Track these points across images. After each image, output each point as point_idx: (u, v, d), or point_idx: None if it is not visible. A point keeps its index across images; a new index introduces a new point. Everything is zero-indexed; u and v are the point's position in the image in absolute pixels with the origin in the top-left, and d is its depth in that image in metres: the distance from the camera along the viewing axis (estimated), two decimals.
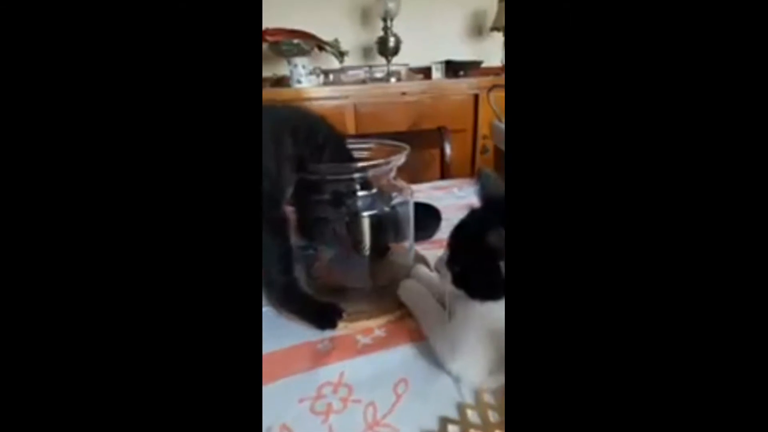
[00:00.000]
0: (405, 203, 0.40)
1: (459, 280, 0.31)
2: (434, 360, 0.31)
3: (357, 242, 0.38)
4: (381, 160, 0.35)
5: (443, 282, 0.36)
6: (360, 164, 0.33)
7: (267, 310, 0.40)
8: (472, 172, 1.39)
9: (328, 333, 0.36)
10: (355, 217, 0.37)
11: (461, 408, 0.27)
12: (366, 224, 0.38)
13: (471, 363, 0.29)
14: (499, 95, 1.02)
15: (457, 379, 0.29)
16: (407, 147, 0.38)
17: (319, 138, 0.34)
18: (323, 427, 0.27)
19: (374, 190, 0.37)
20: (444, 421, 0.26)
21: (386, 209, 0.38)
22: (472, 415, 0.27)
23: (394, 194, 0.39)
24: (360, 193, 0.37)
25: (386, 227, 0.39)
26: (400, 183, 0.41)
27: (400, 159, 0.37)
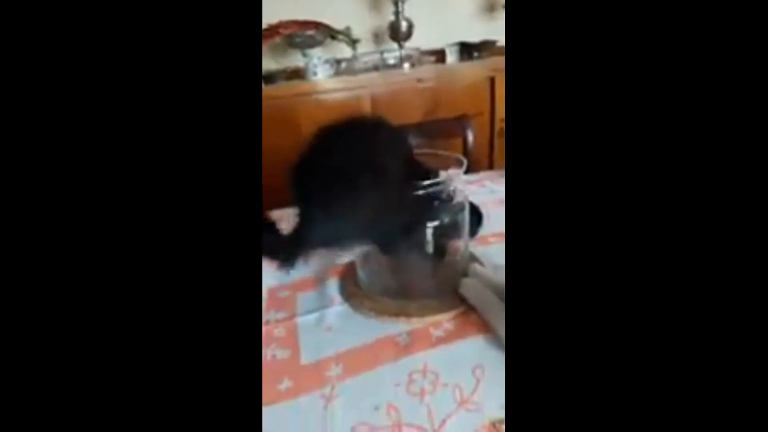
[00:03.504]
0: (461, 209, 0.45)
1: None
2: (502, 348, 0.37)
3: (421, 247, 0.44)
4: (445, 177, 0.39)
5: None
6: (426, 182, 0.38)
7: (344, 308, 0.46)
8: (491, 156, 1.42)
9: (405, 327, 0.42)
10: (421, 228, 0.42)
11: None
12: (430, 232, 0.43)
13: None
14: None
15: None
16: (464, 159, 0.43)
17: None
18: (422, 405, 0.33)
19: (436, 203, 0.42)
20: None
21: (448, 218, 0.43)
22: None
23: (453, 202, 0.44)
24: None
25: (446, 232, 0.44)
26: (457, 190, 0.45)
27: (460, 173, 0.41)
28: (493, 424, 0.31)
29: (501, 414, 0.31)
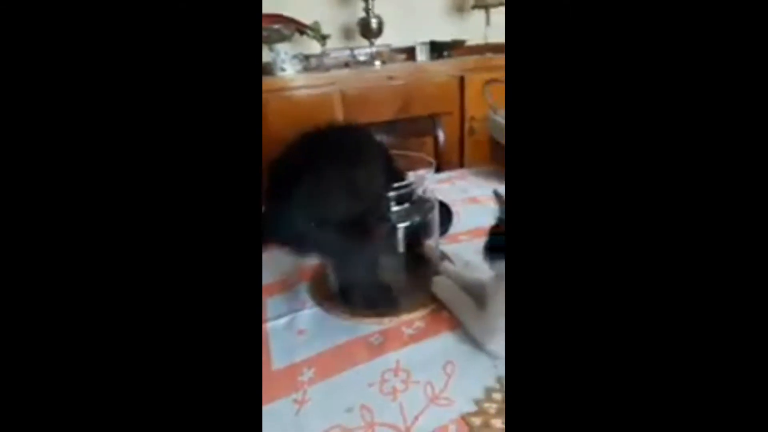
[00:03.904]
0: (431, 209, 0.45)
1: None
2: (472, 343, 0.38)
3: (393, 249, 0.44)
4: (414, 179, 0.40)
5: (478, 275, 0.43)
6: (397, 184, 0.38)
7: (315, 311, 0.46)
8: (461, 154, 1.45)
9: (378, 327, 0.42)
10: (393, 228, 0.43)
11: (501, 380, 0.35)
12: (401, 234, 0.43)
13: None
14: (495, 87, 1.05)
15: (495, 357, 0.37)
16: (433, 161, 0.43)
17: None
18: (394, 404, 0.34)
19: (407, 205, 0.42)
20: (489, 391, 0.34)
21: (418, 219, 0.43)
22: None
23: (424, 204, 0.44)
24: (395, 208, 0.42)
25: (417, 233, 0.45)
26: (427, 194, 0.46)
27: (430, 173, 0.42)
28: (463, 418, 0.32)
29: (471, 407, 0.32)
